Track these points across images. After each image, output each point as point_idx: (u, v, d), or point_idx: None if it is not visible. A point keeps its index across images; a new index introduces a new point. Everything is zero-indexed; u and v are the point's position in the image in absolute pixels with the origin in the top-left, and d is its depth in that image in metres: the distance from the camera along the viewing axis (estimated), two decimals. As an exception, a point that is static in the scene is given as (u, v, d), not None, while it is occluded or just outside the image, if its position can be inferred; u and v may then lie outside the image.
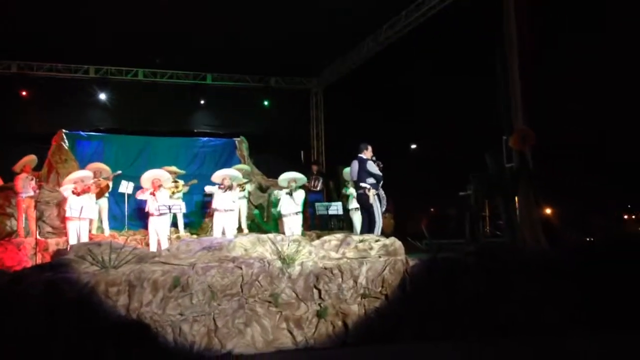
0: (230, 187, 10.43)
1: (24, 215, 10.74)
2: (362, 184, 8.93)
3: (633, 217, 16.70)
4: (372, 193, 8.79)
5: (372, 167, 8.94)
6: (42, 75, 13.82)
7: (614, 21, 10.73)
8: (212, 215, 10.93)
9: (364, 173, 8.96)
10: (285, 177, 10.90)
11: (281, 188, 11.20)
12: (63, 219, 10.60)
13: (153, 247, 9.44)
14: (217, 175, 10.66)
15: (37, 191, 10.64)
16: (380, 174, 8.93)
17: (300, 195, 10.74)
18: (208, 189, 10.74)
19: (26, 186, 10.62)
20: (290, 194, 10.61)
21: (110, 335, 5.68)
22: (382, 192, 8.88)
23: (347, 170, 11.16)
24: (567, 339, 6.39)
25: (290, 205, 10.58)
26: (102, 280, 5.92)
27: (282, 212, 10.66)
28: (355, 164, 9.12)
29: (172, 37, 12.48)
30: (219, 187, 10.43)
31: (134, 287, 5.95)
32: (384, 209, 8.94)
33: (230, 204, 10.36)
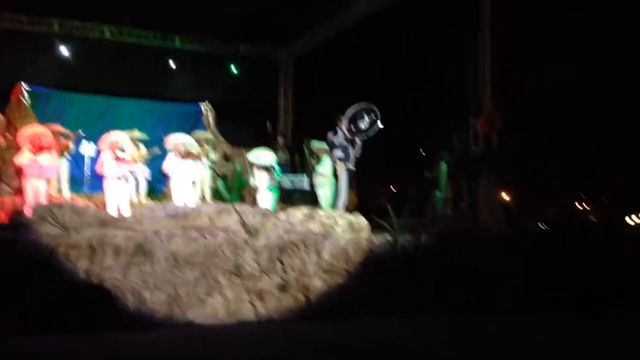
0: (190, 155, 10.22)
1: None
2: (332, 158, 8.82)
3: (587, 207, 17.22)
4: (340, 167, 8.69)
5: (337, 138, 8.72)
6: (4, 28, 13.21)
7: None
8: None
9: (332, 145, 8.82)
10: (262, 159, 10.61)
11: (251, 165, 10.87)
12: (20, 177, 10.23)
13: (112, 213, 9.24)
14: (171, 142, 10.36)
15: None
16: (345, 144, 8.64)
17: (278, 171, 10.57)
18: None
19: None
20: (270, 169, 10.36)
21: (69, 298, 5.60)
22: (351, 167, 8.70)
23: (315, 143, 11.06)
24: (517, 317, 6.57)
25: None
26: (62, 242, 5.82)
27: (260, 186, 10.45)
28: (329, 136, 8.95)
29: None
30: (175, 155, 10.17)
31: (95, 251, 5.87)
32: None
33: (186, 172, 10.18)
